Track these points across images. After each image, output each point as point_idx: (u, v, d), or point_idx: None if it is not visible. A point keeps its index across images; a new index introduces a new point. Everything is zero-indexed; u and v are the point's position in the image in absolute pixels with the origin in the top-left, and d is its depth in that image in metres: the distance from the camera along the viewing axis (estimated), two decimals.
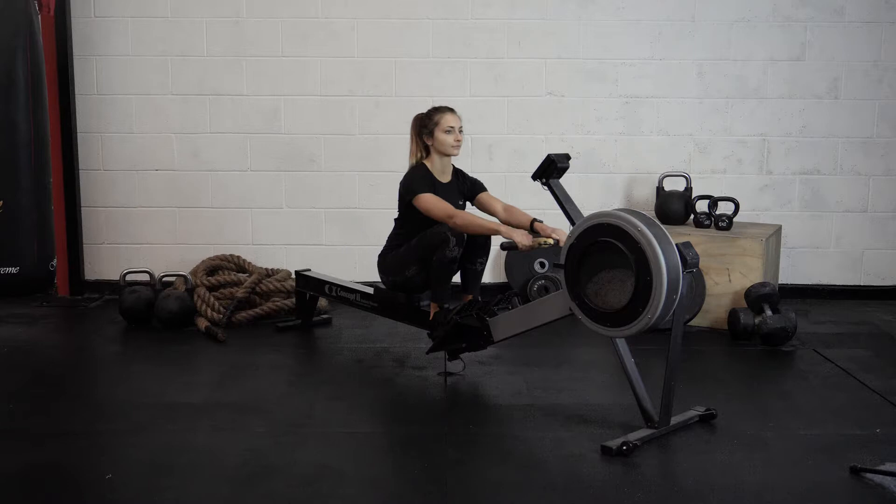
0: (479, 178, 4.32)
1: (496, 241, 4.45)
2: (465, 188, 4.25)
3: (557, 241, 3.82)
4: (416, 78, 5.58)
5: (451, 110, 4.13)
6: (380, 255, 4.27)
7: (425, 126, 4.12)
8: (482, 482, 3.02)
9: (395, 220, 4.27)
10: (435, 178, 4.13)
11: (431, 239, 3.98)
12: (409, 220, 4.15)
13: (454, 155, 4.15)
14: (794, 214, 5.67)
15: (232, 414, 3.62)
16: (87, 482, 3.04)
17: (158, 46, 5.56)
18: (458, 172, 4.26)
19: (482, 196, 4.24)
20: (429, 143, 4.12)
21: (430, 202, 4.01)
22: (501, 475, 3.07)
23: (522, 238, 3.83)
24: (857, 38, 5.52)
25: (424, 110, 4.18)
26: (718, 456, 3.24)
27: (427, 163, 4.16)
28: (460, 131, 4.11)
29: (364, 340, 4.72)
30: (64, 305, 5.48)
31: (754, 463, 3.17)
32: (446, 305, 4.02)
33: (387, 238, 4.28)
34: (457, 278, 4.18)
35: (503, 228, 3.92)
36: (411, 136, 4.20)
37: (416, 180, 4.08)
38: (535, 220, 3.98)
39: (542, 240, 3.84)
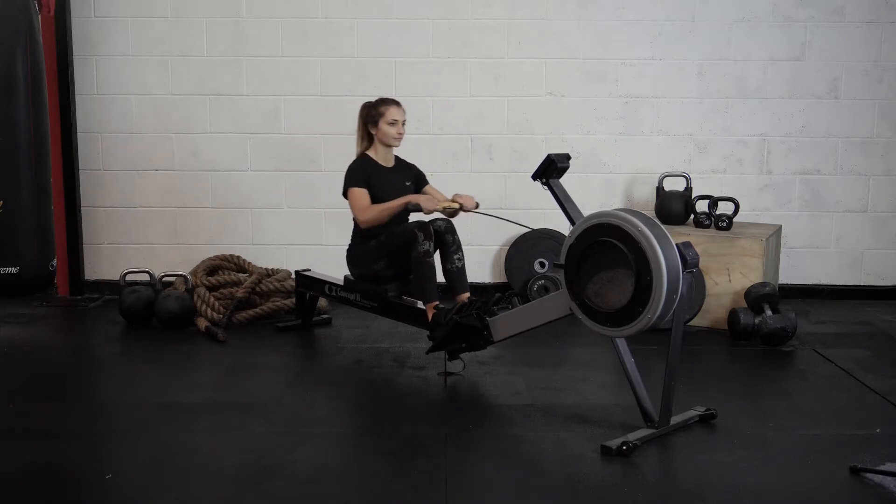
0: (422, 170, 4.56)
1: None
2: (410, 174, 4.50)
3: (461, 206, 4.19)
4: (416, 78, 5.58)
5: (397, 103, 4.35)
6: (347, 250, 4.47)
7: (371, 116, 4.35)
8: (482, 482, 3.02)
9: (354, 218, 4.43)
10: (378, 164, 4.37)
11: (400, 237, 4.14)
12: None
13: (395, 146, 4.40)
14: (794, 214, 5.67)
15: (232, 414, 3.62)
16: (87, 482, 3.04)
17: (158, 46, 5.56)
18: (400, 160, 4.50)
19: (427, 189, 4.51)
20: (373, 132, 4.35)
21: (352, 198, 4.29)
22: (501, 475, 3.07)
23: (427, 203, 4.12)
24: (857, 38, 5.52)
25: (373, 100, 4.40)
26: (718, 456, 3.24)
27: (370, 152, 4.39)
28: (403, 124, 4.35)
29: (364, 340, 4.72)
30: (64, 305, 5.48)
31: (754, 463, 3.17)
32: (441, 305, 4.04)
33: (351, 232, 4.46)
34: (441, 278, 4.23)
35: (410, 198, 4.18)
36: (358, 123, 4.42)
37: (350, 174, 4.34)
38: (456, 194, 4.32)
39: (446, 203, 4.18)
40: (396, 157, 4.47)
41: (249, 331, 4.86)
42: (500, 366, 4.26)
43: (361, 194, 4.27)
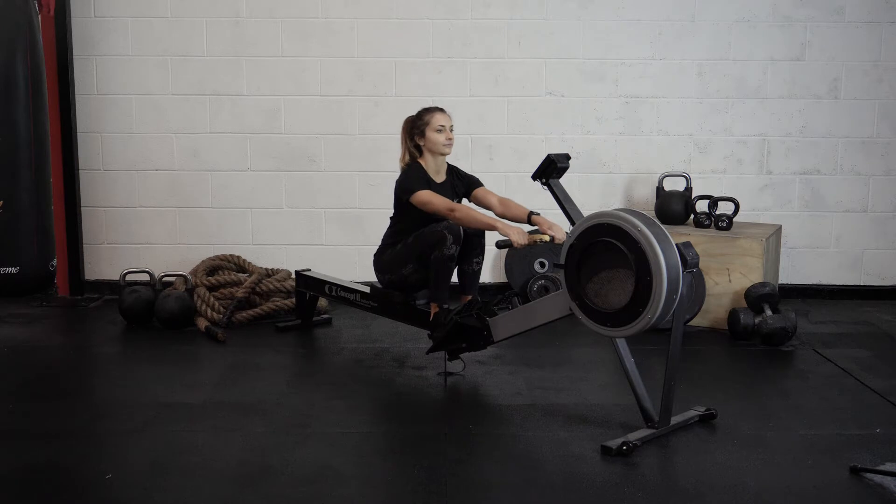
0: (476, 176, 4.35)
1: (490, 241, 4.43)
2: (460, 186, 4.27)
3: (553, 238, 3.86)
4: (416, 78, 5.58)
5: (441, 110, 4.15)
6: (375, 254, 4.29)
7: (416, 127, 4.14)
8: (482, 482, 3.02)
9: (391, 217, 4.28)
10: (430, 177, 4.15)
11: (429, 237, 3.99)
12: (405, 218, 4.17)
13: (446, 154, 4.16)
14: (794, 214, 5.67)
15: (232, 414, 3.62)
16: (87, 482, 3.04)
17: (158, 46, 5.56)
18: (452, 171, 4.28)
19: (478, 191, 4.25)
20: (420, 143, 4.13)
21: (428, 196, 4.02)
22: (501, 475, 3.07)
23: (518, 237, 3.83)
24: (857, 38, 5.53)
25: (414, 112, 4.20)
26: (718, 456, 3.24)
27: (421, 162, 4.17)
28: (451, 130, 4.14)
29: (364, 340, 4.72)
30: (64, 305, 5.48)
31: (754, 463, 3.17)
32: (446, 306, 4.03)
33: (382, 236, 4.30)
34: (454, 278, 4.17)
35: (500, 225, 3.89)
36: (402, 138, 4.21)
37: (411, 179, 4.10)
38: (531, 212, 4.01)
39: (538, 237, 3.87)
40: (448, 169, 4.24)
41: (249, 331, 4.86)
42: (500, 366, 4.26)
43: (433, 193, 4.02)
